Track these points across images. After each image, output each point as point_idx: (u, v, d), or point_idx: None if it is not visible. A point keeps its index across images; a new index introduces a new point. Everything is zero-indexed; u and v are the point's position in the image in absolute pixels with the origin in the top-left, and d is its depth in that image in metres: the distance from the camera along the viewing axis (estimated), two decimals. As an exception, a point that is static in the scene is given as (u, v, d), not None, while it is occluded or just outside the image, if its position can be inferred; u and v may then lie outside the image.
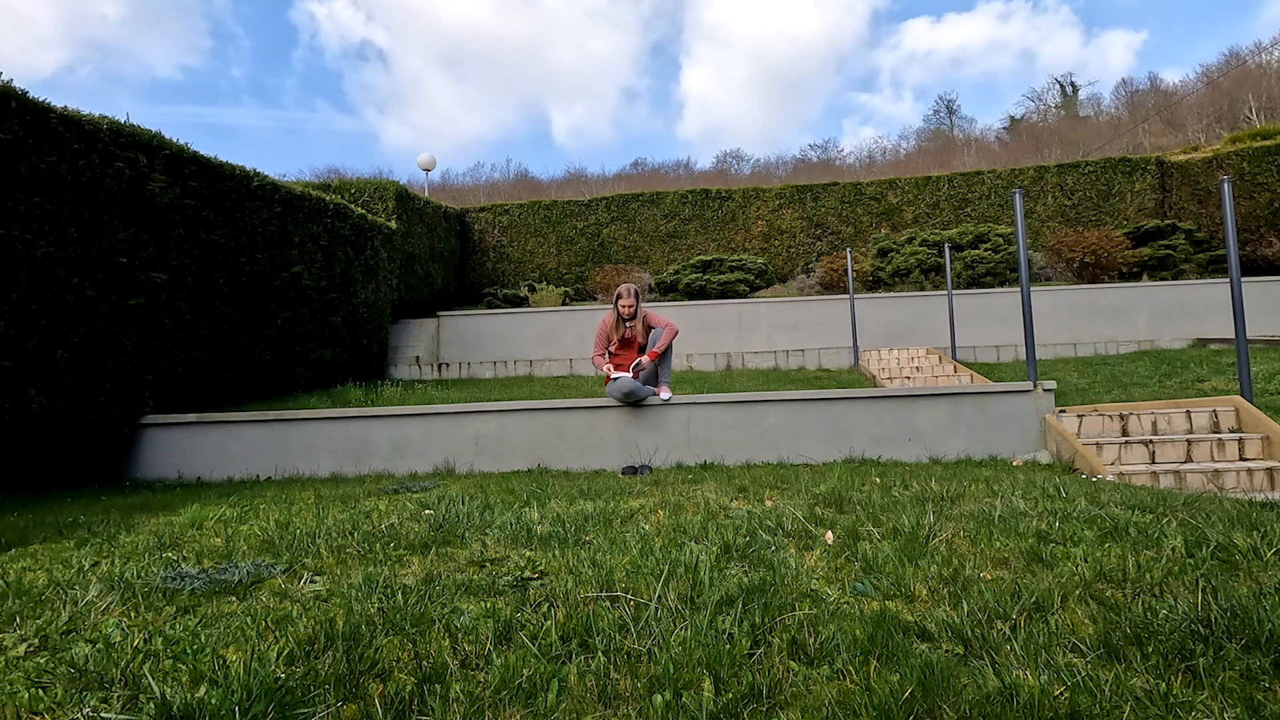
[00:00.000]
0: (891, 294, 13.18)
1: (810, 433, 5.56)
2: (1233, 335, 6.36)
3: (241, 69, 76.78)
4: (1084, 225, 14.90)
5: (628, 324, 5.81)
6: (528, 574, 2.30)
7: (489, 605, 2.01)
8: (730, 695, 1.49)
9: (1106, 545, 2.39)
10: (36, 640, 1.85)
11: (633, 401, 5.62)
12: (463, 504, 3.46)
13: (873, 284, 14.61)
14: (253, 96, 74.63)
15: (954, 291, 11.88)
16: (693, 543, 2.61)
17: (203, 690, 1.51)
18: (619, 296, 5.81)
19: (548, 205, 16.61)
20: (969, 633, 1.74)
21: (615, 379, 5.63)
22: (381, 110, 76.81)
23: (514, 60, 79.58)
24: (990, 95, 73.78)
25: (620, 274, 15.05)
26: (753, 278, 15.00)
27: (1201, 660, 1.53)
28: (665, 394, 5.67)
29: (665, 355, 5.82)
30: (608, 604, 1.99)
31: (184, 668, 1.64)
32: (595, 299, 15.42)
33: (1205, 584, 1.95)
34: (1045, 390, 5.54)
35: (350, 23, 79.64)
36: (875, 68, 76.94)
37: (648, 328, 5.84)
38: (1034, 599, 1.92)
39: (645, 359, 5.71)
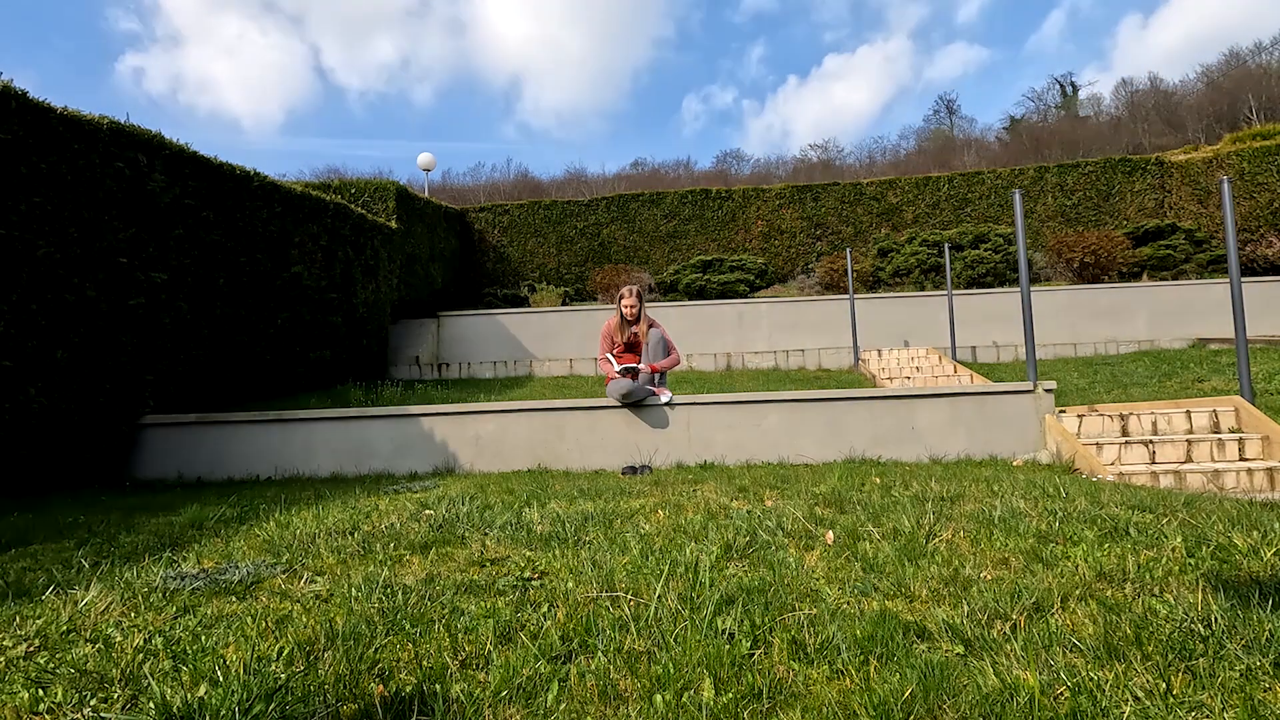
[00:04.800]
0: (891, 294, 13.18)
1: (810, 433, 5.56)
2: (1233, 335, 6.36)
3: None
4: (1084, 225, 14.91)
5: (632, 327, 5.77)
6: (528, 574, 2.30)
7: (489, 605, 2.01)
8: (730, 695, 1.49)
9: (1106, 545, 2.39)
10: (36, 640, 1.85)
11: (632, 402, 5.62)
12: (463, 504, 3.46)
13: (873, 284, 14.61)
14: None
15: (954, 291, 11.88)
16: (693, 543, 2.60)
17: (203, 690, 1.51)
18: (621, 297, 5.75)
19: (548, 205, 16.61)
20: (969, 633, 1.74)
21: (615, 380, 5.62)
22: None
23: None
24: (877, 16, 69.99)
25: (620, 274, 15.05)
26: (753, 278, 15.00)
27: (1201, 660, 1.53)
28: (665, 395, 5.66)
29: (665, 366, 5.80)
30: (608, 604, 1.99)
31: (184, 668, 1.64)
32: (595, 299, 15.42)
33: (1205, 584, 1.95)
34: (1045, 390, 5.54)
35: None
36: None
37: (649, 326, 5.79)
38: (1034, 599, 1.92)
39: (645, 369, 5.67)
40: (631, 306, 5.72)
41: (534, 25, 76.16)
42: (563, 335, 12.98)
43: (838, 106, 65.58)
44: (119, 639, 1.83)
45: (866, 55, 70.75)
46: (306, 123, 66.83)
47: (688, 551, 2.47)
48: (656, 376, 5.76)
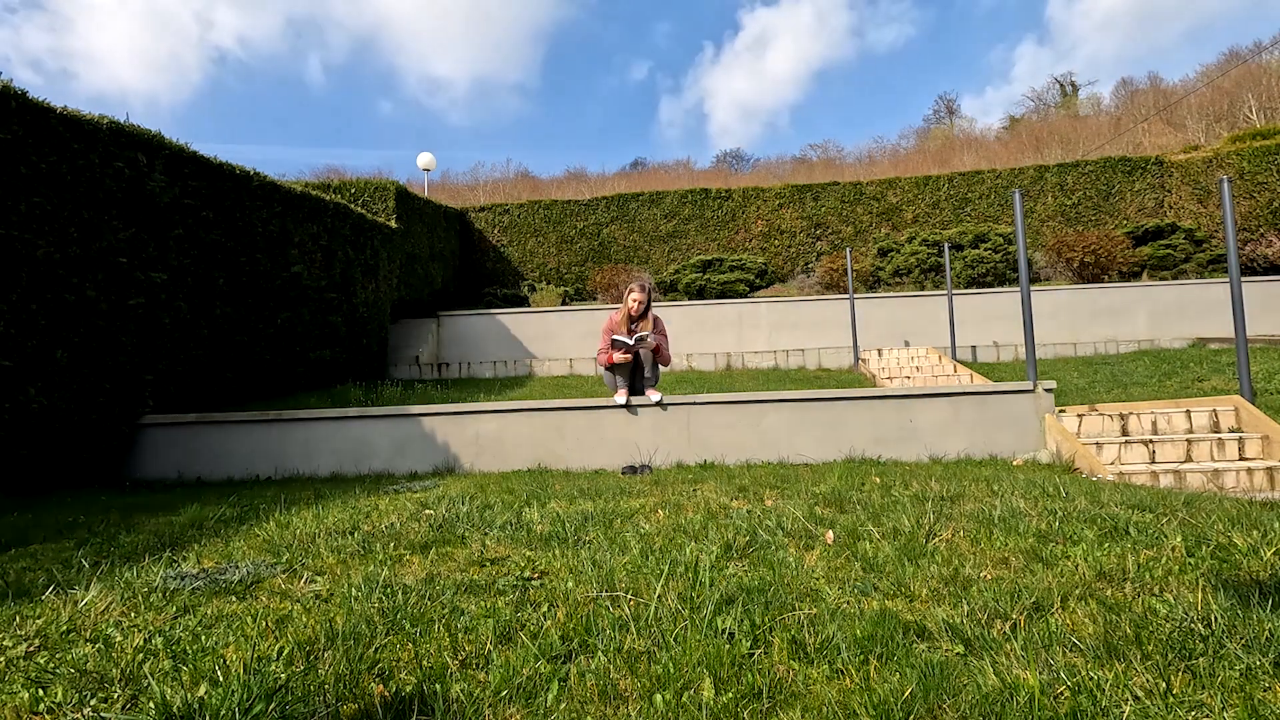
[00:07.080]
0: (891, 294, 13.18)
1: (810, 432, 5.55)
2: (1233, 335, 6.36)
3: None
4: (1084, 225, 14.90)
5: (636, 324, 5.73)
6: (528, 574, 2.30)
7: (489, 605, 2.01)
8: (730, 695, 1.49)
9: (1106, 545, 2.39)
10: (36, 640, 1.84)
11: (627, 373, 5.60)
12: (463, 504, 3.46)
13: (873, 284, 14.61)
14: None
15: (954, 291, 11.88)
16: (693, 542, 2.60)
17: (203, 690, 1.51)
18: (631, 291, 5.68)
19: (548, 205, 16.60)
20: (969, 632, 1.74)
21: (618, 354, 5.58)
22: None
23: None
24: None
25: (620, 274, 15.05)
26: (753, 277, 15.00)
27: (1201, 659, 1.53)
28: (655, 396, 5.65)
29: (655, 363, 5.76)
30: (608, 604, 1.99)
31: (184, 668, 1.64)
32: (595, 299, 15.42)
33: (1205, 584, 1.95)
34: (1045, 390, 5.54)
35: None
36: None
37: (653, 323, 5.75)
38: (1034, 599, 1.92)
39: (651, 337, 5.60)
40: (640, 301, 5.67)
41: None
42: (562, 335, 12.97)
43: (763, 73, 62.35)
44: (119, 639, 1.83)
45: (791, 9, 67.58)
46: (196, 105, 62.43)
47: (688, 551, 2.47)
48: (647, 370, 5.73)
